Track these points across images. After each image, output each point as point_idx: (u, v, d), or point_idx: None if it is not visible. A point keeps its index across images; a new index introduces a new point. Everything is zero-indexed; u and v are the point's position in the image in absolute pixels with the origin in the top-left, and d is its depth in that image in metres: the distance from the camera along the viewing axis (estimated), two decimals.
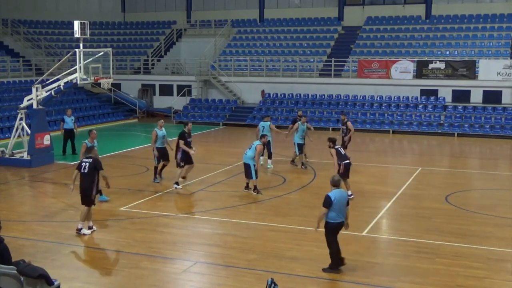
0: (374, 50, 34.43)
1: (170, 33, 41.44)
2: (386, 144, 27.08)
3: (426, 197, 16.28)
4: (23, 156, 20.72)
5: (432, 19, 36.17)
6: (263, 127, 19.83)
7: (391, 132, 29.51)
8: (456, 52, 32.96)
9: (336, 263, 10.56)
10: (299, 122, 20.04)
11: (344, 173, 15.23)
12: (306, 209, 14.83)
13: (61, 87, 20.45)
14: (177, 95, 35.71)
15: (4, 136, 25.88)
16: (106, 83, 20.71)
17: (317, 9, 39.23)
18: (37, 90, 20.60)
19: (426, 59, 31.93)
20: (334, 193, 10.45)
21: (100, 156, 13.91)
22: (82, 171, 12.56)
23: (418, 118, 29.95)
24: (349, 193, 15.04)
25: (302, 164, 20.01)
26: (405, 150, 26.15)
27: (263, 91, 33.99)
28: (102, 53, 20.88)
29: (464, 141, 27.18)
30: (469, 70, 30.24)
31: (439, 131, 28.81)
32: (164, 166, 17.79)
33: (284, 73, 34.54)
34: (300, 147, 19.85)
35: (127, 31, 43.03)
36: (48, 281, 7.97)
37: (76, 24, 19.67)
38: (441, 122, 29.41)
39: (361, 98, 31.88)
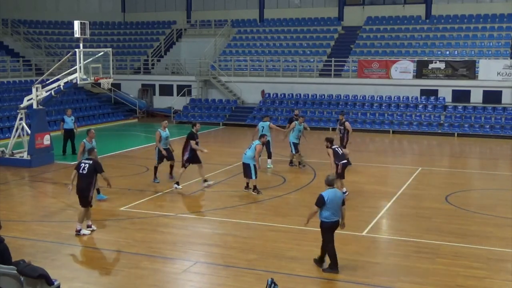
0: (374, 50, 34.43)
1: (170, 33, 41.44)
2: (386, 144, 27.08)
3: (426, 197, 16.28)
4: (23, 156, 20.73)
5: (432, 19, 36.17)
6: (263, 127, 19.86)
7: (391, 132, 29.51)
8: (456, 52, 32.96)
9: (335, 263, 10.55)
10: (296, 122, 20.07)
11: (341, 173, 15.31)
12: (306, 209, 14.69)
13: (61, 87, 20.45)
14: (177, 95, 35.71)
15: (4, 136, 25.88)
16: (106, 83, 20.71)
17: (317, 9, 39.23)
18: (37, 90, 20.60)
19: (426, 59, 31.93)
20: (327, 193, 10.48)
21: (100, 156, 13.94)
22: (81, 171, 12.55)
23: (418, 118, 29.95)
24: (344, 190, 15.11)
25: (299, 163, 20.06)
26: (405, 150, 26.15)
27: (263, 91, 33.99)
28: (102, 53, 20.88)
29: (464, 141, 27.18)
30: (469, 70, 30.24)
31: (439, 131, 28.81)
32: (171, 166, 17.75)
33: (284, 73, 34.54)
34: (295, 146, 19.91)
35: (127, 31, 43.03)
36: (48, 281, 7.98)
37: (76, 24, 19.68)
38: (441, 122, 29.41)
39: (361, 98, 31.88)
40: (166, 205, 15.67)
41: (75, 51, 19.78)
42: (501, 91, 29.74)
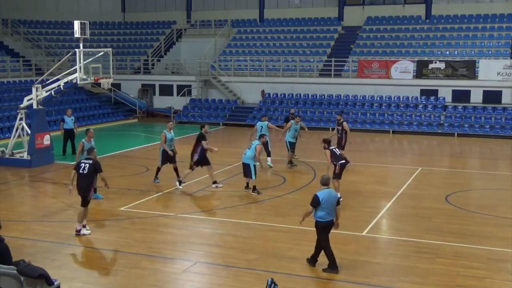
0: (374, 50, 34.43)
1: (170, 33, 41.44)
2: (386, 144, 27.08)
3: (426, 197, 16.28)
4: (23, 156, 20.73)
5: (432, 19, 36.17)
6: (261, 127, 19.89)
7: (391, 132, 29.51)
8: (456, 52, 32.96)
9: (334, 262, 10.55)
10: (292, 121, 20.08)
11: (339, 173, 15.32)
12: (306, 209, 14.79)
13: (61, 87, 20.45)
14: (177, 95, 35.70)
15: (4, 136, 25.88)
16: (106, 83, 20.71)
17: (317, 9, 39.23)
18: (37, 90, 20.60)
19: (426, 59, 31.93)
20: (322, 193, 10.52)
21: (100, 156, 13.95)
22: (81, 171, 12.55)
23: (418, 118, 29.95)
24: (338, 195, 15.08)
25: (290, 162, 20.06)
26: (405, 150, 26.16)
27: (263, 91, 33.99)
28: (102, 53, 20.88)
29: (464, 141, 27.18)
30: (469, 70, 30.24)
31: (439, 131, 28.81)
32: (176, 169, 17.62)
33: (284, 73, 34.54)
34: (291, 145, 19.93)
35: (127, 31, 43.02)
36: (48, 281, 7.97)
37: (76, 24, 19.68)
38: (441, 122, 29.40)
39: (361, 98, 31.87)
40: (166, 205, 15.67)
41: (75, 51, 19.78)
42: (501, 91, 29.74)
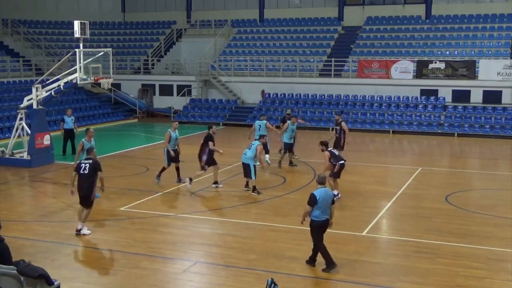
0: (374, 50, 34.43)
1: (170, 33, 41.44)
2: (386, 144, 27.08)
3: (426, 197, 16.28)
4: (23, 156, 20.72)
5: (432, 19, 36.17)
6: (260, 126, 19.91)
7: (391, 132, 29.51)
8: (456, 52, 32.96)
9: (330, 260, 10.54)
10: (289, 121, 20.08)
11: (337, 172, 15.34)
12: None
13: (61, 87, 20.44)
14: (177, 95, 35.70)
15: (4, 136, 25.88)
16: (106, 83, 20.71)
17: (317, 9, 39.23)
18: (37, 90, 20.59)
19: (426, 59, 31.93)
20: (319, 192, 10.53)
21: (100, 156, 13.95)
22: (82, 172, 12.55)
23: (418, 118, 29.95)
24: (335, 192, 15.10)
25: (279, 162, 20.09)
26: (405, 150, 26.15)
27: (263, 91, 33.98)
28: (102, 53, 20.88)
29: (464, 141, 27.18)
30: (469, 70, 30.24)
31: (439, 131, 28.81)
32: (177, 168, 17.65)
33: (284, 73, 34.53)
34: (286, 146, 19.93)
35: (127, 31, 43.02)
36: (48, 281, 7.97)
37: (76, 24, 19.68)
38: (441, 122, 29.41)
39: (361, 98, 31.87)
40: (166, 205, 15.67)
41: (75, 51, 19.78)
42: (501, 91, 29.74)
